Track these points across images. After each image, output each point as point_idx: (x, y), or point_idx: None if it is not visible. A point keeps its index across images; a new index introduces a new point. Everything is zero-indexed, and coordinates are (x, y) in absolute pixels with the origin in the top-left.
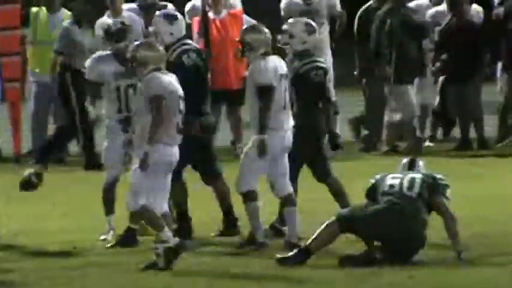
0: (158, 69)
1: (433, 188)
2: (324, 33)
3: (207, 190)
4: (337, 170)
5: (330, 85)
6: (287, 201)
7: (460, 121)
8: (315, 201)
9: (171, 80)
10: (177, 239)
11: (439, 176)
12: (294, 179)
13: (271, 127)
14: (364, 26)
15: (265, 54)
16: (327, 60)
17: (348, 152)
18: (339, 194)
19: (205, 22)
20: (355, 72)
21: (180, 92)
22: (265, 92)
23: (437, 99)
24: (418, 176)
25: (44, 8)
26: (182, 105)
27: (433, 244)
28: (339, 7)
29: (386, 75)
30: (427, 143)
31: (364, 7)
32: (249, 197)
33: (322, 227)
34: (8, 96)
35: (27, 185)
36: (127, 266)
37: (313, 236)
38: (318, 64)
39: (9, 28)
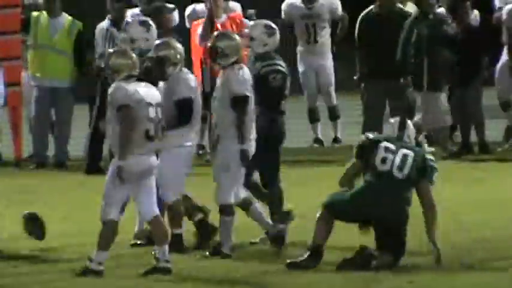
0: (132, 77)
1: (421, 171)
2: (325, 37)
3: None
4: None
5: (331, 89)
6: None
7: (461, 125)
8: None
9: (136, 88)
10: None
11: (429, 157)
12: (247, 184)
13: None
14: (365, 31)
15: (237, 62)
16: (328, 64)
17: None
18: (275, 204)
19: (211, 26)
20: (355, 77)
21: (149, 99)
22: (242, 103)
23: None
24: (410, 153)
25: (44, 13)
26: (152, 113)
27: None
28: (340, 11)
29: (408, 84)
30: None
31: (365, 12)
32: (226, 211)
33: (316, 221)
34: (8, 100)
35: None
36: (127, 270)
37: (313, 235)
38: (278, 68)
39: (9, 32)
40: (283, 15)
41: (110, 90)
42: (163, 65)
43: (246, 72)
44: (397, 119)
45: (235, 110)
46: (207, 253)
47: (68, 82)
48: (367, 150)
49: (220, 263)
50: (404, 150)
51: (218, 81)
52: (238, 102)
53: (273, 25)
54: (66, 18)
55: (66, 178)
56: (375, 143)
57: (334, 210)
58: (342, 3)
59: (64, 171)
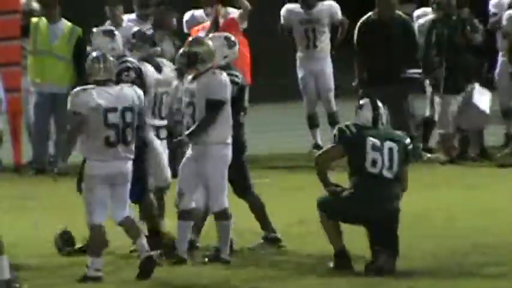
0: (101, 81)
1: (404, 158)
2: (324, 42)
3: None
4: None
5: (331, 95)
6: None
7: (459, 132)
8: None
9: (95, 95)
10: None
11: (408, 141)
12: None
13: (229, 141)
14: (364, 37)
15: (212, 67)
16: (327, 69)
17: None
18: (256, 212)
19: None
20: (354, 83)
21: (113, 104)
22: (218, 107)
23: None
24: (394, 146)
25: (44, 19)
26: (115, 118)
27: (433, 254)
28: (340, 15)
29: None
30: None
31: (364, 18)
32: (224, 215)
33: (322, 226)
34: (8, 106)
35: None
36: (127, 275)
37: (329, 241)
38: (233, 79)
39: (8, 38)
40: (282, 21)
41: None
42: (195, 60)
43: (226, 77)
44: (367, 101)
45: (208, 112)
46: (206, 259)
47: (67, 88)
48: (353, 144)
49: (219, 268)
50: (389, 143)
51: (193, 86)
52: (214, 106)
53: (233, 37)
54: (65, 24)
55: (66, 184)
56: (360, 137)
57: (326, 211)
58: (341, 8)
59: (64, 177)
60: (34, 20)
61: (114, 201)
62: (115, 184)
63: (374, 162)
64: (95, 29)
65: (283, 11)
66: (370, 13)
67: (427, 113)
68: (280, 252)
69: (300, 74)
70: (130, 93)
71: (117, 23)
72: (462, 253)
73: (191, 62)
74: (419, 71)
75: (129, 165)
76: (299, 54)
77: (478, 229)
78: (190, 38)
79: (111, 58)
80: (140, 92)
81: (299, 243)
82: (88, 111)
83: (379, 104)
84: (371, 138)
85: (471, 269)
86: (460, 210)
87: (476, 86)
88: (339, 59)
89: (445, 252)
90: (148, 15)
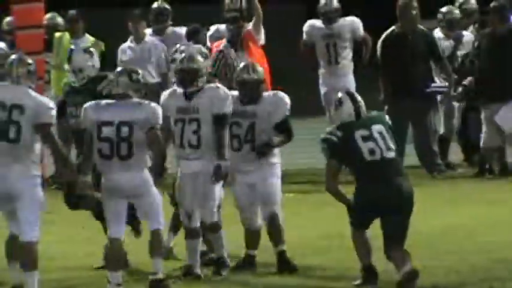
0: (115, 96)
1: (391, 130)
2: (346, 58)
3: None
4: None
5: None
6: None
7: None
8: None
9: (92, 109)
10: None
11: (387, 117)
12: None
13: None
14: (388, 51)
15: (208, 81)
16: (350, 85)
17: None
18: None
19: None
20: (380, 98)
21: (110, 118)
22: (226, 120)
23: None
24: (381, 128)
25: (67, 33)
26: (109, 132)
27: (456, 271)
28: (362, 31)
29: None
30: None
31: (387, 32)
32: (218, 227)
33: (352, 241)
34: None
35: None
36: None
37: (358, 256)
38: None
39: (32, 53)
40: (304, 36)
41: None
42: (196, 77)
43: (226, 90)
44: (345, 96)
45: (218, 127)
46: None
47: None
48: (344, 147)
49: (236, 283)
50: (376, 127)
51: (194, 102)
52: (224, 120)
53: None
54: (88, 39)
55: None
56: (347, 137)
57: (359, 224)
58: (364, 25)
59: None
60: (57, 34)
61: (138, 213)
62: (130, 197)
63: (372, 152)
64: (73, 47)
65: (305, 26)
66: (393, 27)
67: (442, 130)
68: (302, 267)
69: (322, 90)
70: (136, 108)
71: (140, 38)
72: (485, 268)
73: (192, 78)
74: (445, 84)
75: (135, 177)
76: (321, 71)
77: (500, 244)
78: (183, 55)
79: (128, 74)
80: (153, 109)
81: (321, 258)
82: (87, 125)
83: (357, 96)
84: (358, 132)
85: (494, 285)
86: (481, 226)
87: None
88: (362, 76)
89: (468, 268)
90: (163, 30)
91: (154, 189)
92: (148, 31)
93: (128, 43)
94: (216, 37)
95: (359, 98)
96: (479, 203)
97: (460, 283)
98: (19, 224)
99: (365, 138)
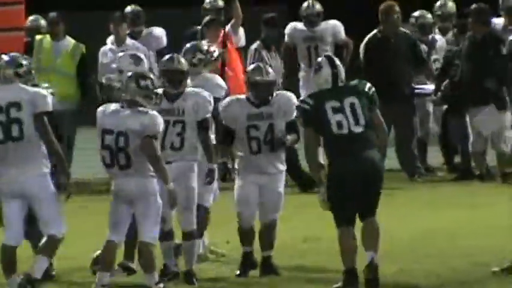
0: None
1: (369, 106)
2: None
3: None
4: None
5: None
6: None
7: (462, 150)
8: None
9: (100, 115)
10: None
11: (368, 86)
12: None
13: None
14: (372, 54)
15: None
16: None
17: None
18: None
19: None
20: None
21: (111, 126)
22: (209, 123)
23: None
24: (355, 100)
25: (48, 36)
26: (109, 140)
27: (436, 274)
28: (343, 35)
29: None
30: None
31: (369, 35)
32: (195, 234)
33: (339, 246)
34: None
35: None
36: None
37: (342, 259)
38: None
39: None
40: (286, 38)
41: None
42: (183, 78)
43: (207, 93)
44: (324, 60)
45: (203, 131)
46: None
47: (71, 105)
48: (315, 116)
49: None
50: (349, 99)
51: (179, 105)
52: (207, 123)
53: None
54: (69, 41)
55: (68, 201)
56: (318, 106)
57: (346, 221)
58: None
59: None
60: (38, 37)
61: (137, 219)
62: (131, 203)
63: (339, 125)
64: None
65: (287, 29)
66: (375, 30)
67: (419, 133)
68: (283, 269)
69: (302, 92)
70: (135, 117)
71: (121, 40)
72: (465, 272)
73: (180, 79)
74: (429, 87)
75: (137, 184)
76: (301, 74)
77: (480, 247)
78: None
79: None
80: (152, 119)
81: (302, 261)
82: (98, 130)
83: (337, 61)
84: (330, 103)
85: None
86: (461, 229)
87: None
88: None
89: (448, 271)
90: (139, 33)
91: (153, 200)
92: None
93: (108, 45)
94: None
95: (338, 62)
96: (460, 207)
97: (440, 286)
98: (42, 223)
99: (335, 110)
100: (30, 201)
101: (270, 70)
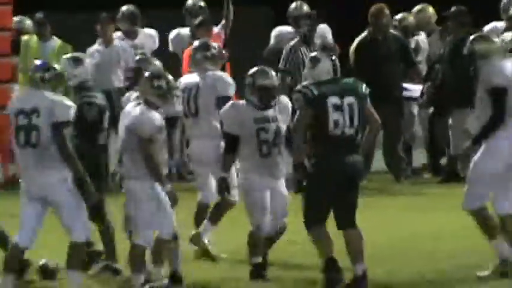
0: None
1: (363, 103)
2: None
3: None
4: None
5: None
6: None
7: (448, 153)
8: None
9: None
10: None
11: (364, 87)
12: None
13: None
14: (360, 57)
15: None
16: None
17: None
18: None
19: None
20: None
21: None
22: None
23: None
24: (353, 100)
25: (34, 36)
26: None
27: (421, 275)
28: (330, 38)
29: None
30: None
31: (359, 38)
32: (177, 236)
33: (316, 246)
34: None
35: None
36: None
37: (319, 251)
38: (92, 100)
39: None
40: (272, 40)
41: None
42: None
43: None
44: (320, 53)
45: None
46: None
47: None
48: (316, 105)
49: None
50: (348, 99)
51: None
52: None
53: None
54: (56, 41)
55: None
56: (321, 99)
57: (318, 219)
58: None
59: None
60: (25, 37)
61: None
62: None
63: (336, 124)
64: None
65: (274, 31)
66: (365, 33)
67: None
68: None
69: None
70: (136, 117)
71: (108, 41)
72: (450, 273)
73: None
74: (415, 87)
75: (139, 185)
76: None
77: (466, 249)
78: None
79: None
80: (144, 120)
81: (293, 262)
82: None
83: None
84: (332, 98)
85: None
86: (447, 231)
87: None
88: None
89: (433, 273)
90: (136, 32)
91: (146, 206)
92: (117, 34)
93: (95, 46)
94: (177, 41)
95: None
96: (445, 209)
97: (425, 287)
98: (65, 229)
99: (335, 107)
100: (51, 206)
101: (273, 73)
